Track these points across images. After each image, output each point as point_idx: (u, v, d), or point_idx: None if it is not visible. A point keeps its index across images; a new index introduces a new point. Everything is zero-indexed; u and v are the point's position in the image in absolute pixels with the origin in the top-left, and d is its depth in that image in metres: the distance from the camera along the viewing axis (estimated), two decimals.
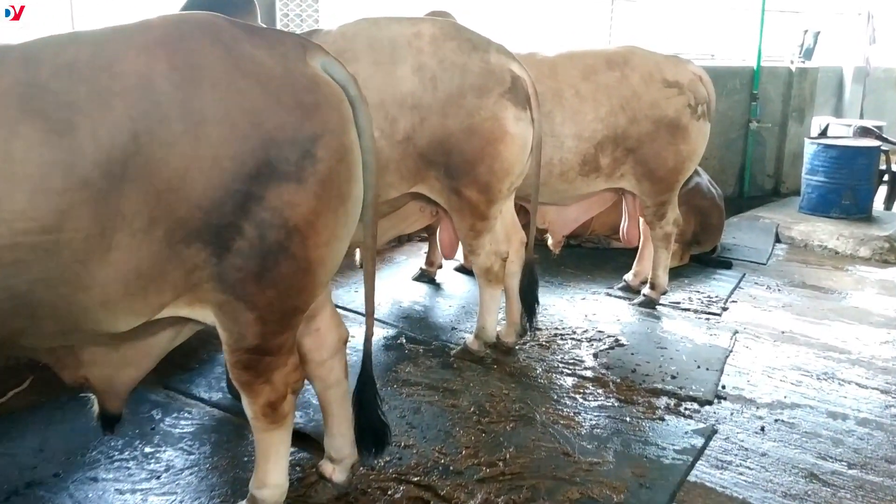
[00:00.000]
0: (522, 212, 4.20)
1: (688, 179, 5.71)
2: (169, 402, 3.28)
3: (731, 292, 5.06)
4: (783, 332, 4.41)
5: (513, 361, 3.81)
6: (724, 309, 4.74)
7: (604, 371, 3.74)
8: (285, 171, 2.02)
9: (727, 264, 5.64)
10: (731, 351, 4.09)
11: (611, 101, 4.21)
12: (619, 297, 4.86)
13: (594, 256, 5.70)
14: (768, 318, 4.64)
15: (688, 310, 4.70)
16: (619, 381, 3.64)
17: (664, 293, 4.71)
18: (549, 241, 4.85)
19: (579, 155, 4.23)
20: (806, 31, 9.04)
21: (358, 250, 4.01)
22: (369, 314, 2.55)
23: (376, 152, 2.66)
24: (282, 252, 2.07)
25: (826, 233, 6.37)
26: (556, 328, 4.28)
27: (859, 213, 6.76)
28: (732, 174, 8.11)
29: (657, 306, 4.68)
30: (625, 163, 4.33)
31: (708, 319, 4.56)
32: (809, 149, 6.93)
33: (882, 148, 7.39)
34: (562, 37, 7.80)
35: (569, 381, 3.62)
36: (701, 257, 5.63)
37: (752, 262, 5.81)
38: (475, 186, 3.43)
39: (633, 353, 3.97)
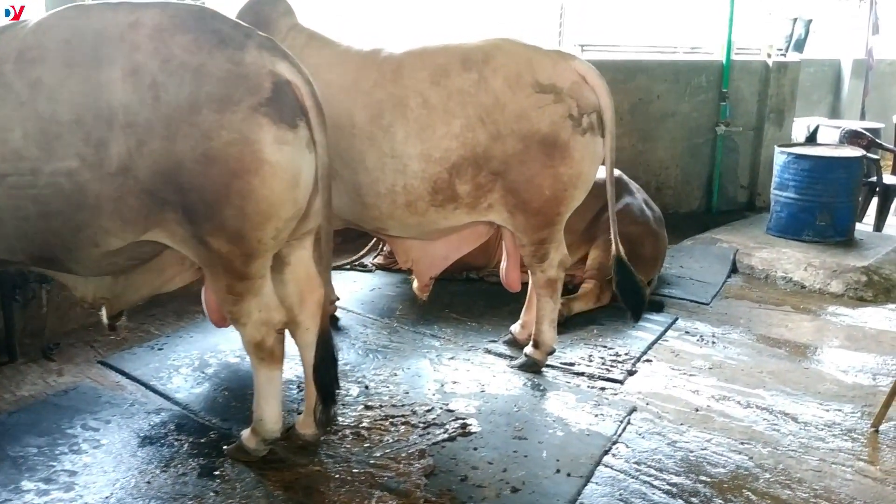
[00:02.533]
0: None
1: (615, 199, 4.72)
2: None
3: (649, 347, 4.02)
4: (697, 410, 3.39)
5: (303, 463, 2.85)
6: (631, 373, 3.72)
7: (419, 480, 2.75)
8: None
9: (658, 305, 4.60)
10: (614, 442, 3.09)
11: (466, 111, 3.24)
12: (501, 355, 3.86)
13: (491, 296, 4.61)
14: (684, 386, 3.61)
15: (582, 374, 3.69)
16: (433, 499, 2.66)
17: (551, 353, 3.70)
18: (415, 285, 3.88)
19: (428, 181, 3.28)
20: (795, 20, 7.90)
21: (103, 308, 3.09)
22: None
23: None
24: None
25: (792, 261, 5.30)
26: (395, 405, 3.31)
27: (837, 235, 5.67)
28: (698, 186, 7.04)
29: (543, 369, 3.69)
30: (492, 190, 3.36)
31: (603, 390, 3.54)
32: (779, 159, 5.84)
33: (870, 156, 6.30)
34: (502, 33, 6.77)
35: (363, 500, 2.65)
36: None
37: (692, 301, 4.75)
38: (223, 235, 2.48)
39: (475, 448, 2.99)
